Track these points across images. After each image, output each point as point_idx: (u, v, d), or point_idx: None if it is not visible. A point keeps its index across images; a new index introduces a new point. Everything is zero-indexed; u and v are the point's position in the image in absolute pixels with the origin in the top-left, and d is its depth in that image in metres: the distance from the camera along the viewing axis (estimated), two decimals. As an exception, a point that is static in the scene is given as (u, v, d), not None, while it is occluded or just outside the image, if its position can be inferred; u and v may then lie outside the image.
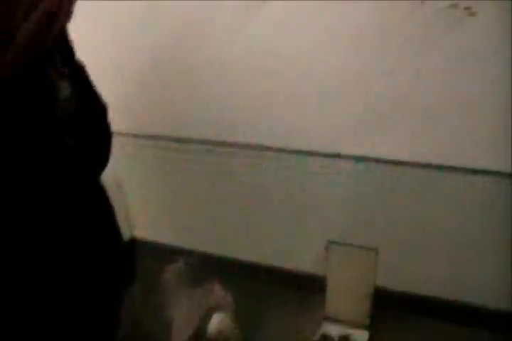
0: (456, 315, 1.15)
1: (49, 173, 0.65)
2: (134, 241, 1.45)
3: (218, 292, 1.13)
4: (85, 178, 0.73)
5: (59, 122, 0.67)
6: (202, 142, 1.22)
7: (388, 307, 1.17)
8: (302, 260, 1.26)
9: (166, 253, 1.36)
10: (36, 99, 0.63)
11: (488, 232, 1.06)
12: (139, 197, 1.41)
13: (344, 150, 1.09)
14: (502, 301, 1.10)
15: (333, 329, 1.14)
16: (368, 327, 1.14)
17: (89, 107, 0.73)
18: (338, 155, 1.10)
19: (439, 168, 1.03)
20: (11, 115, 0.60)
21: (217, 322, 1.07)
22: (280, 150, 1.15)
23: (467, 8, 0.88)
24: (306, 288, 1.24)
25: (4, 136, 0.59)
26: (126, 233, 1.46)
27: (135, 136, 1.29)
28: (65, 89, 0.67)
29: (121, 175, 1.35)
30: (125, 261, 1.28)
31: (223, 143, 1.20)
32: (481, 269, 1.10)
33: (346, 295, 1.15)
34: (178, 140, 1.25)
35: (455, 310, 1.16)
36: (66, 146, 0.67)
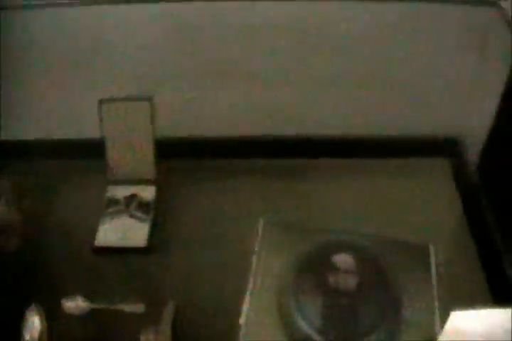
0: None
1: None
2: None
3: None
4: None
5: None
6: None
7: (174, 156, 1.12)
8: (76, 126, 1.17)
9: None
10: None
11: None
12: None
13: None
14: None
15: (120, 191, 1.09)
16: (154, 182, 1.09)
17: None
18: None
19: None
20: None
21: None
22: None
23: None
24: (86, 155, 1.15)
25: None
26: None
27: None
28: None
29: None
30: None
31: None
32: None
33: (128, 154, 1.08)
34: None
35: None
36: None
